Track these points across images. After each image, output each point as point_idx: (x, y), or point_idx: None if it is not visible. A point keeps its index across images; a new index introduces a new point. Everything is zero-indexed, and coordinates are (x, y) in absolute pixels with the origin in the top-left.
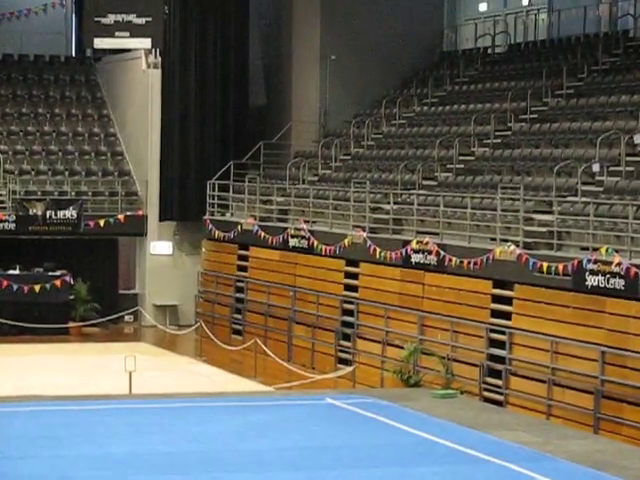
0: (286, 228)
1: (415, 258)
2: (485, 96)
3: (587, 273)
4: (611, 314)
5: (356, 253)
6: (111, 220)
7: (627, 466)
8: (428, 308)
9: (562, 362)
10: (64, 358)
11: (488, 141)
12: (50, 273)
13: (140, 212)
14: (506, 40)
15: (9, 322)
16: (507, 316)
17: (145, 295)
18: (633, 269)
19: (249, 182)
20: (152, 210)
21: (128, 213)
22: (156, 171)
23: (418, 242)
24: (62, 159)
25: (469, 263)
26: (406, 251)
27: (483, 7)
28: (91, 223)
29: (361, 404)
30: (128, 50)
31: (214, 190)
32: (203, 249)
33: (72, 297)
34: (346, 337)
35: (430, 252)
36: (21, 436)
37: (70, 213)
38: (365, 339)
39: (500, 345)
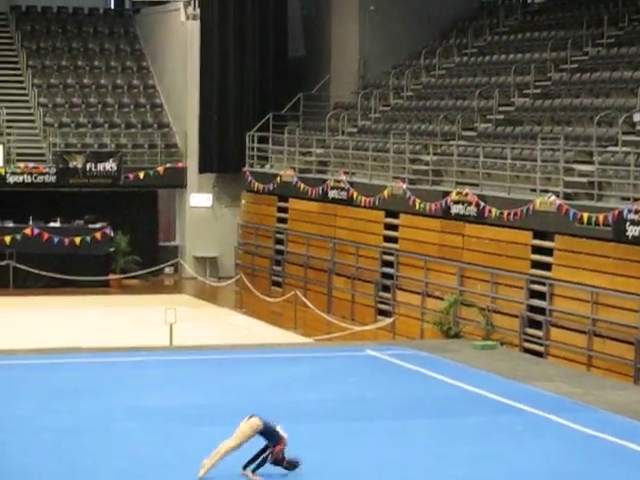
0: (325, 180)
1: (455, 209)
2: (525, 46)
3: (628, 223)
4: None
5: (395, 204)
6: (151, 172)
7: None
8: (468, 259)
9: (602, 313)
10: (105, 310)
11: (528, 91)
12: (90, 225)
13: (179, 164)
14: None
15: (50, 274)
16: (547, 267)
17: (185, 247)
18: None
19: (288, 134)
20: (192, 162)
21: (168, 165)
22: (195, 123)
23: (458, 193)
24: (101, 111)
25: (509, 214)
26: (446, 202)
27: None
28: (131, 175)
29: (401, 355)
30: (167, 2)
31: (253, 142)
32: (242, 201)
33: (112, 249)
34: (386, 289)
35: (470, 203)
36: (61, 387)
37: (110, 165)
38: (405, 290)
39: (540, 296)
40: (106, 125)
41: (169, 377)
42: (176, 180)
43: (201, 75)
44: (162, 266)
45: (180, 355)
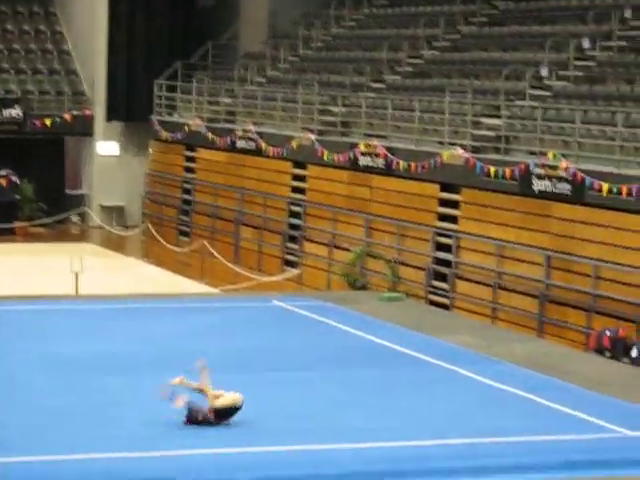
0: (234, 130)
1: (363, 161)
2: None
3: (534, 177)
4: (557, 219)
5: (304, 155)
6: (57, 119)
7: (570, 369)
8: (375, 211)
9: (508, 266)
10: (9, 258)
11: (437, 44)
12: None
13: (87, 111)
14: None
15: None
16: (454, 220)
17: (92, 196)
18: (580, 174)
19: (197, 83)
20: (99, 110)
21: (74, 112)
22: (103, 70)
23: (366, 145)
24: (8, 57)
25: (416, 166)
26: (354, 154)
27: None
28: (37, 122)
29: (307, 307)
30: None
31: (161, 90)
32: (150, 150)
33: (18, 197)
34: (293, 240)
35: (378, 155)
36: None
37: (16, 112)
38: (312, 242)
39: (446, 249)
40: (12, 71)
41: (74, 326)
42: (83, 128)
43: (109, 22)
44: (68, 214)
45: (86, 304)
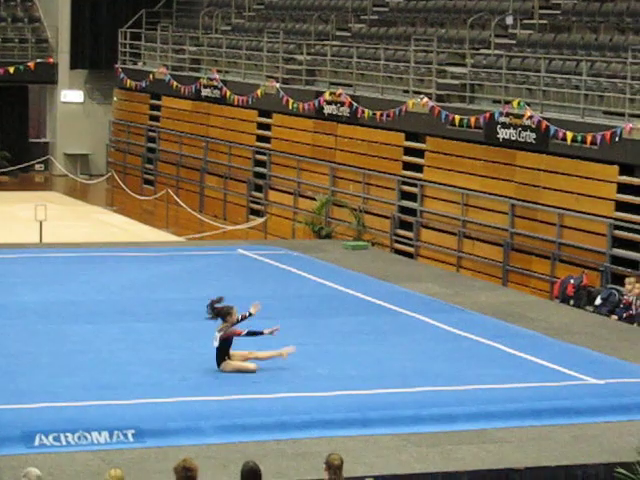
0: (199, 78)
1: (328, 109)
2: None
3: (499, 126)
4: (521, 167)
5: (269, 104)
6: (21, 67)
7: (534, 317)
8: (340, 160)
9: (472, 215)
10: None
11: None
12: None
13: (50, 59)
14: None
15: None
16: (419, 169)
17: (56, 144)
18: (544, 122)
19: (161, 31)
20: (63, 58)
21: (38, 60)
22: (67, 18)
23: (331, 93)
24: None
25: (382, 115)
26: (319, 102)
27: None
28: (0, 70)
29: (272, 255)
30: None
31: (126, 38)
32: (115, 98)
33: None
34: (258, 188)
35: (343, 104)
36: None
37: None
38: (277, 190)
39: (412, 197)
40: None
41: (38, 275)
42: (47, 76)
43: None
44: (32, 163)
45: (50, 252)
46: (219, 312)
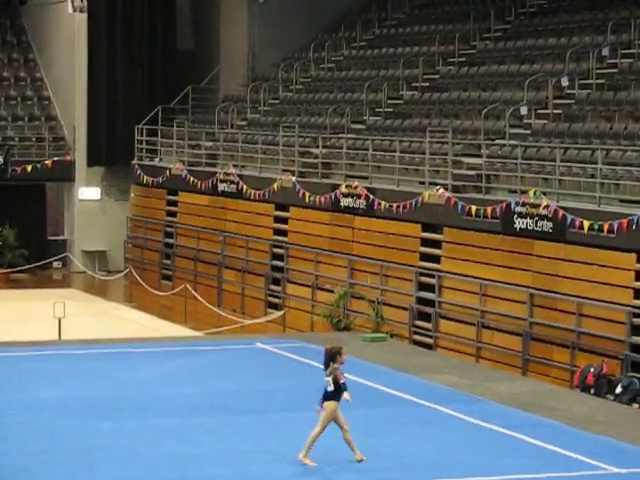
0: (215, 173)
1: (344, 202)
2: (413, 39)
3: (515, 216)
4: (539, 256)
5: (285, 197)
6: (38, 165)
7: (555, 407)
8: (357, 252)
9: (491, 305)
10: None
11: (416, 84)
12: None
13: (68, 157)
14: None
15: None
16: (436, 259)
17: (74, 241)
18: (561, 211)
19: (177, 127)
20: (80, 155)
21: (55, 158)
22: (84, 116)
23: (347, 186)
24: None
25: (398, 207)
26: (335, 195)
27: None
28: (18, 169)
29: (291, 348)
30: None
31: (142, 135)
32: (132, 194)
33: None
34: (276, 281)
35: (359, 196)
36: None
37: None
38: (295, 283)
39: (429, 288)
40: None
41: (58, 371)
42: (64, 173)
43: (89, 68)
44: (50, 260)
45: (69, 349)
46: (331, 353)
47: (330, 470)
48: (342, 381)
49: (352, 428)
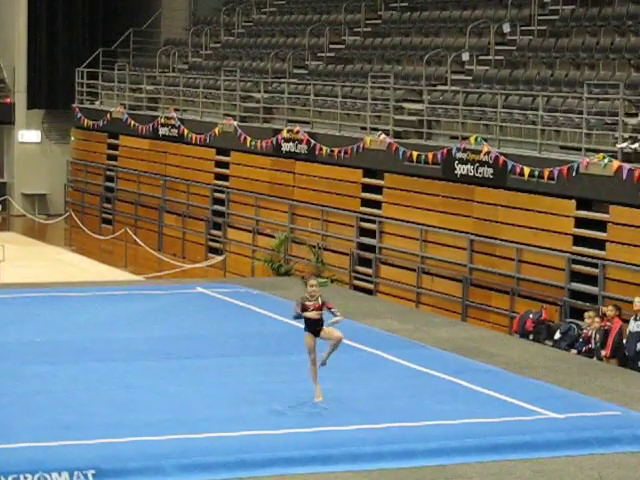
0: (156, 117)
1: (286, 147)
2: None
3: (456, 162)
4: (479, 202)
5: (227, 142)
6: None
7: (494, 352)
8: (299, 197)
9: (431, 250)
10: None
11: (359, 29)
12: None
13: (7, 100)
14: None
15: None
16: (377, 205)
17: (13, 184)
18: (501, 158)
19: (118, 70)
20: (20, 98)
21: None
22: (24, 58)
23: (289, 131)
24: None
25: (339, 152)
26: (277, 140)
27: None
28: None
29: (232, 293)
30: None
31: (83, 78)
32: (72, 138)
33: None
34: (217, 226)
35: (301, 141)
36: None
37: None
38: (236, 228)
39: (370, 234)
40: None
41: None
42: (4, 116)
43: (29, 9)
44: None
45: (8, 293)
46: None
47: (267, 412)
48: (296, 312)
49: (292, 374)
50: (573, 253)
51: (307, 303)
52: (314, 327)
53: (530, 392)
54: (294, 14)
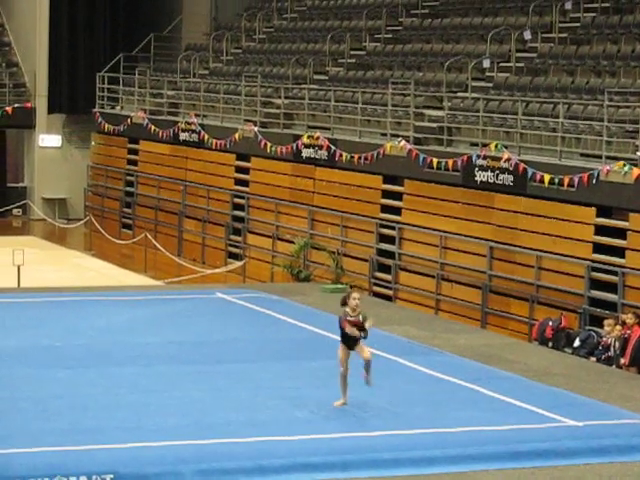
0: (177, 122)
1: (306, 153)
2: None
3: (476, 169)
4: (499, 209)
5: (247, 147)
6: None
7: (513, 359)
8: (318, 203)
9: (451, 257)
10: None
11: (379, 36)
12: None
13: (28, 104)
14: None
15: None
16: (397, 211)
17: (34, 188)
18: (522, 165)
19: (139, 75)
20: (41, 102)
21: (16, 105)
22: (45, 62)
23: (309, 137)
24: None
25: (359, 158)
26: (297, 146)
27: None
28: None
29: (251, 298)
30: None
31: (104, 83)
32: (93, 142)
33: None
34: (236, 232)
35: (321, 147)
36: None
37: None
38: (255, 234)
39: (390, 240)
40: None
41: (19, 319)
42: (25, 120)
43: (51, 14)
44: (10, 207)
45: (28, 297)
46: (342, 300)
47: (286, 417)
48: (344, 327)
49: (311, 380)
50: (593, 261)
51: (349, 318)
52: (349, 341)
53: (549, 400)
54: (315, 20)
